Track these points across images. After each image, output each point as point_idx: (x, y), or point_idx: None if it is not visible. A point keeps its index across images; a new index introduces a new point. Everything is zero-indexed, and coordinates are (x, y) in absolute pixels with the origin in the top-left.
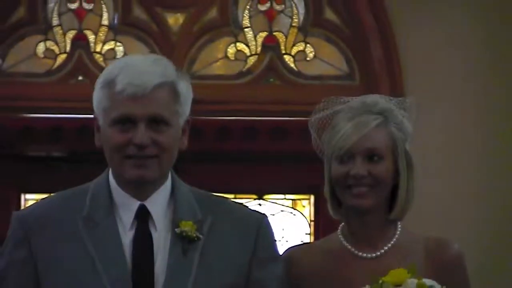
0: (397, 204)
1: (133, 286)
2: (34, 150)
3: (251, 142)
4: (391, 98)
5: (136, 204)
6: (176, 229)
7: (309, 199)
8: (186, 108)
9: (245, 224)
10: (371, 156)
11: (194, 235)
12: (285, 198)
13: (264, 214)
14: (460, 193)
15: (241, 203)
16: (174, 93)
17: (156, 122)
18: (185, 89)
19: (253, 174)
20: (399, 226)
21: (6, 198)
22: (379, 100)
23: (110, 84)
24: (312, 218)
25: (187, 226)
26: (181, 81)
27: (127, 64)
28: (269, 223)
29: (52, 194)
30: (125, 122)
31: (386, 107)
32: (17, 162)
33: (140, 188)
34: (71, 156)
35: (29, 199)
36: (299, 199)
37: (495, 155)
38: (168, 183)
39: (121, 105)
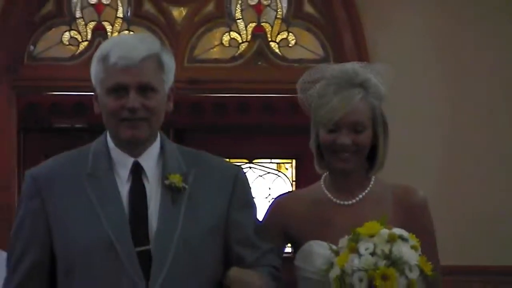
0: (376, 163)
1: (130, 231)
2: (60, 122)
3: (243, 115)
4: (367, 64)
5: (131, 160)
6: (165, 181)
7: (291, 163)
8: (170, 76)
9: (224, 174)
10: (355, 127)
11: (181, 185)
12: (271, 162)
13: (239, 166)
14: (427, 142)
15: (220, 156)
16: (159, 63)
17: (145, 89)
18: (169, 60)
19: (244, 142)
20: (373, 177)
21: (37, 163)
22: (358, 69)
23: (104, 58)
24: (294, 179)
25: (175, 178)
26: (165, 53)
27: (119, 41)
28: (244, 174)
29: (59, 154)
30: (119, 90)
31: (365, 78)
32: (45, 133)
33: (134, 146)
34: (91, 127)
35: None
36: (283, 163)
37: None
38: (157, 142)
39: (115, 76)
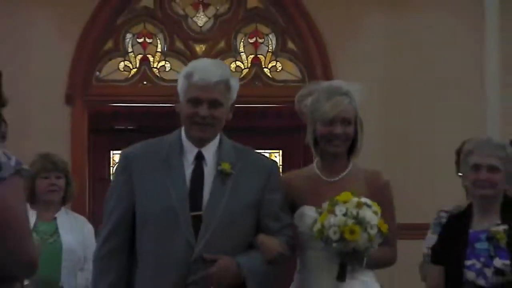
0: (355, 150)
1: (188, 200)
2: (117, 125)
3: (244, 120)
4: (347, 83)
5: (196, 150)
6: (218, 167)
7: (278, 153)
8: (233, 95)
9: (263, 166)
10: (345, 122)
11: (229, 171)
12: (264, 152)
13: (274, 161)
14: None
15: (261, 153)
16: (227, 86)
17: (214, 103)
18: (234, 84)
19: (245, 139)
20: (351, 162)
21: (103, 154)
22: (342, 83)
23: (189, 76)
24: (281, 163)
25: (225, 166)
26: (232, 79)
27: (201, 65)
28: (277, 167)
29: (145, 140)
30: (196, 101)
31: (348, 89)
32: (107, 133)
33: (200, 142)
34: (139, 128)
35: (115, 154)
36: (272, 153)
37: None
38: (217, 139)
39: (194, 91)
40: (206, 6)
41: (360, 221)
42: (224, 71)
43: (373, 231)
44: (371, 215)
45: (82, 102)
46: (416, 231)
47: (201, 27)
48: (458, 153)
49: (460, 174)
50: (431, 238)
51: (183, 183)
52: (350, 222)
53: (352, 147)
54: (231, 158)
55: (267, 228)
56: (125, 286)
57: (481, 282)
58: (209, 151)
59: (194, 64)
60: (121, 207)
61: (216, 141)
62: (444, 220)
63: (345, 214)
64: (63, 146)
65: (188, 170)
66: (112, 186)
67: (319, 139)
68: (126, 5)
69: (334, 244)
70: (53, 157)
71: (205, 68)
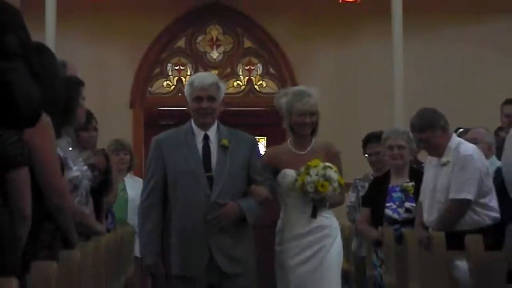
0: (315, 132)
1: (203, 166)
2: (162, 122)
3: (242, 118)
4: (309, 87)
5: (203, 132)
6: (220, 143)
7: (264, 138)
8: (222, 93)
9: (248, 140)
10: (311, 114)
11: (228, 145)
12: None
13: (254, 136)
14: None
15: (246, 132)
16: (217, 87)
17: (210, 98)
18: (222, 86)
19: (242, 131)
20: (313, 139)
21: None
22: (308, 89)
23: (192, 83)
24: (265, 145)
25: (225, 141)
26: (220, 83)
27: (199, 75)
28: (256, 140)
29: (171, 129)
30: (198, 99)
31: (312, 92)
32: (156, 128)
33: (205, 126)
34: (177, 124)
35: None
36: (260, 139)
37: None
38: (215, 125)
39: (196, 92)
40: (218, 46)
41: (327, 179)
42: (214, 78)
43: (336, 184)
44: (334, 174)
45: (140, 107)
46: None
47: (215, 59)
48: (364, 141)
49: (366, 155)
50: (351, 195)
51: (197, 155)
52: (321, 179)
53: (313, 130)
54: (227, 136)
55: (255, 181)
56: (160, 227)
57: (396, 216)
58: (212, 132)
59: (193, 76)
60: (156, 174)
61: (215, 126)
62: (357, 184)
63: (317, 175)
64: (128, 135)
65: (199, 146)
66: (148, 162)
67: (294, 125)
68: (167, 45)
69: (311, 195)
70: (122, 141)
71: (202, 76)
